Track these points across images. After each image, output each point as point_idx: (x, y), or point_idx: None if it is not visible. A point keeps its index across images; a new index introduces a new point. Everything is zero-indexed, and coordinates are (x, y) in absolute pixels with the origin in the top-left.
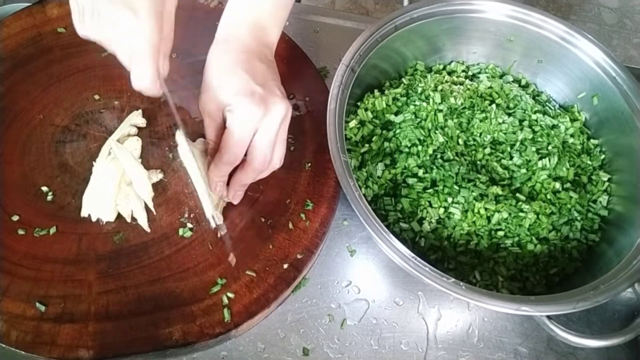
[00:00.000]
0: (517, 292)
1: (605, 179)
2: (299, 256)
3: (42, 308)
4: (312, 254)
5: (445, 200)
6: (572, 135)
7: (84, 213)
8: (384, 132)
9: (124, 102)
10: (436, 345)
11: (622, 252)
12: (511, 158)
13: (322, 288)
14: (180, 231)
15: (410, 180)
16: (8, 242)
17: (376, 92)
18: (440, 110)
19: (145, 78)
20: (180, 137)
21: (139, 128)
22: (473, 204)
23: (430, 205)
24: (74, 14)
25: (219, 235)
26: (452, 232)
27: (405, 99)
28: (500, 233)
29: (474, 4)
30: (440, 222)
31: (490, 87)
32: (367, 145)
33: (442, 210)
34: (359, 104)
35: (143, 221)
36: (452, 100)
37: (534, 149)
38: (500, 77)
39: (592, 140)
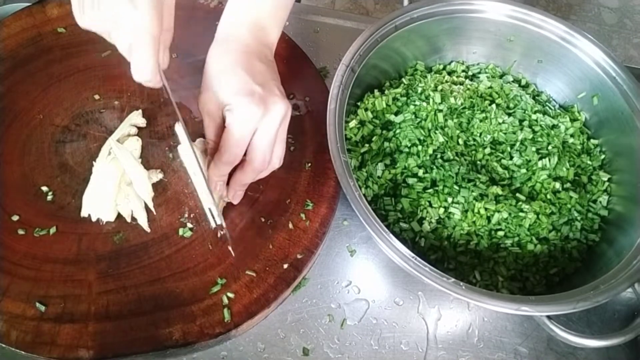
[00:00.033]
0: (517, 292)
1: (605, 179)
2: (299, 256)
3: (42, 308)
4: (312, 254)
5: (445, 200)
6: (572, 135)
7: (84, 213)
8: (384, 132)
9: (124, 102)
10: (436, 345)
11: (622, 252)
12: (511, 158)
13: (322, 288)
14: (180, 231)
15: (410, 180)
16: (8, 242)
17: (376, 92)
18: (440, 110)
19: (146, 69)
20: (179, 129)
21: (139, 128)
22: (473, 204)
23: (430, 205)
24: (74, 5)
25: (218, 235)
26: (452, 232)
27: (405, 99)
28: (500, 233)
29: (474, 4)
30: (440, 222)
31: (490, 87)
32: (367, 145)
33: (442, 210)
34: (359, 104)
35: (143, 221)
36: (452, 100)
37: (534, 149)
38: (500, 77)
39: (592, 140)
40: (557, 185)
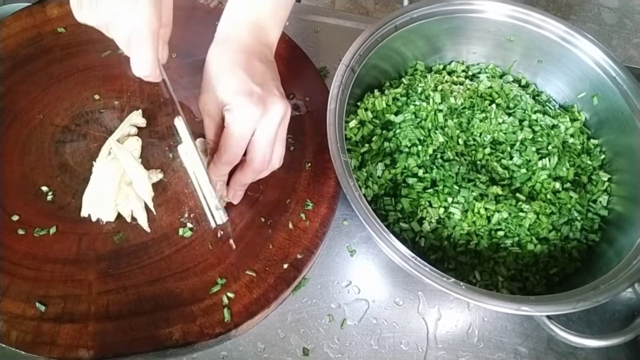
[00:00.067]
0: (517, 292)
1: (605, 179)
2: (299, 256)
3: (42, 308)
4: (312, 254)
5: (445, 200)
6: (572, 135)
7: (84, 213)
8: (384, 132)
9: (124, 102)
10: (436, 345)
11: (622, 252)
12: (511, 158)
13: (322, 288)
14: (180, 231)
15: (410, 180)
16: (8, 242)
17: (376, 92)
18: (440, 110)
19: (145, 63)
20: (179, 123)
21: (139, 128)
22: (473, 204)
23: (430, 205)
24: (72, 0)
25: (218, 235)
26: (452, 232)
27: (405, 99)
28: (500, 233)
29: (474, 4)
30: (440, 222)
31: (490, 87)
32: (367, 145)
33: (442, 210)
34: (359, 104)
35: (143, 221)
36: (452, 100)
37: (534, 148)
38: (500, 77)
39: (592, 140)
40: (557, 185)
